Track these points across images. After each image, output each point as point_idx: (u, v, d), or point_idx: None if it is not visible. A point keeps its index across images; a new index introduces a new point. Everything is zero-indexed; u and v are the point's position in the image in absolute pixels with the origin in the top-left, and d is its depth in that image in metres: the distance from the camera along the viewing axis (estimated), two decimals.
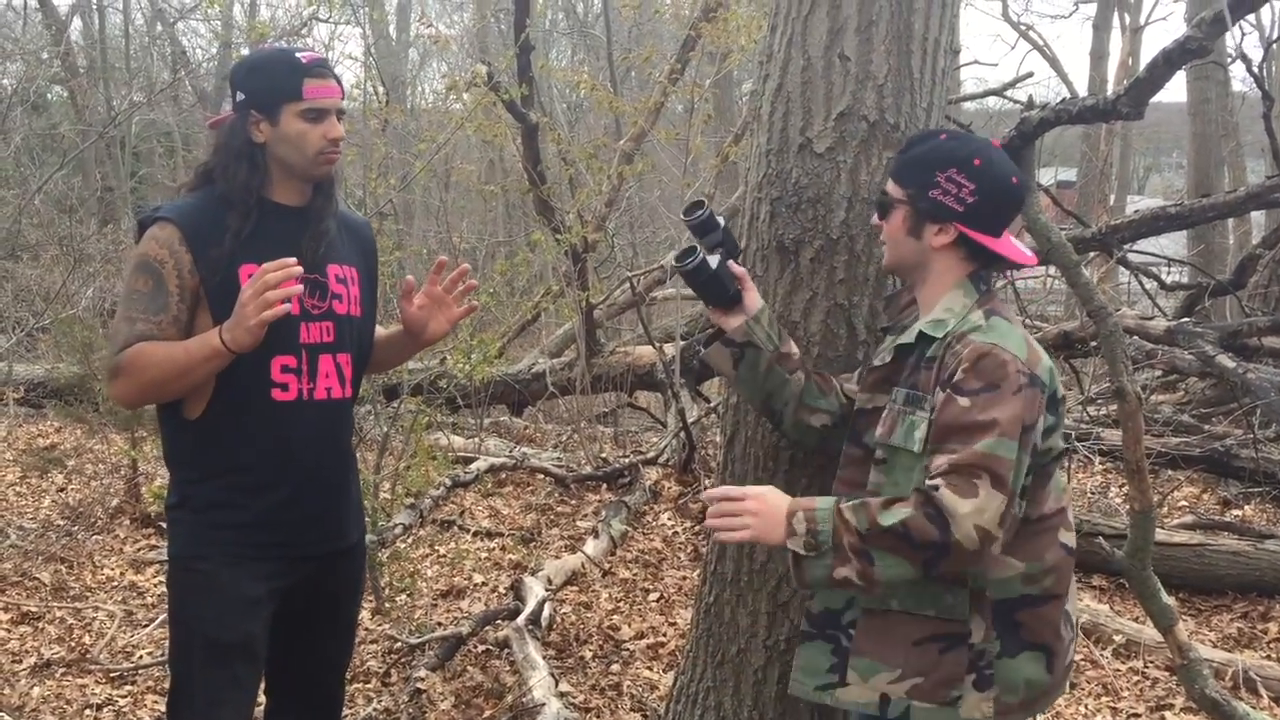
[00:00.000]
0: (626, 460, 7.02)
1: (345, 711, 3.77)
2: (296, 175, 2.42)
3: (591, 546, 5.50)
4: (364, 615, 4.74)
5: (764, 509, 2.03)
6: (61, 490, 6.89)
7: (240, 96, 2.40)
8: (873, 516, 1.94)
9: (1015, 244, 2.17)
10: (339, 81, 2.44)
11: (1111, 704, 4.04)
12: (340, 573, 2.62)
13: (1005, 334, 2.03)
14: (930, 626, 2.07)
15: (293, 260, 2.25)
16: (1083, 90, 19.69)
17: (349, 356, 2.50)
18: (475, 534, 5.98)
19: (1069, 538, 2.16)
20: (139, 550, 5.75)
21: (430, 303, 2.63)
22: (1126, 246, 6.75)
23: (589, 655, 4.37)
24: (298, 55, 2.39)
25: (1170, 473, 6.56)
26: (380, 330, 2.71)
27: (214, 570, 2.41)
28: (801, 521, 1.99)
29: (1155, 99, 2.76)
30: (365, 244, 2.63)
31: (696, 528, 5.90)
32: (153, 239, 2.34)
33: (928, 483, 1.95)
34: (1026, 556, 2.08)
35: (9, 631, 4.69)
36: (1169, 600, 2.98)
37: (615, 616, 4.78)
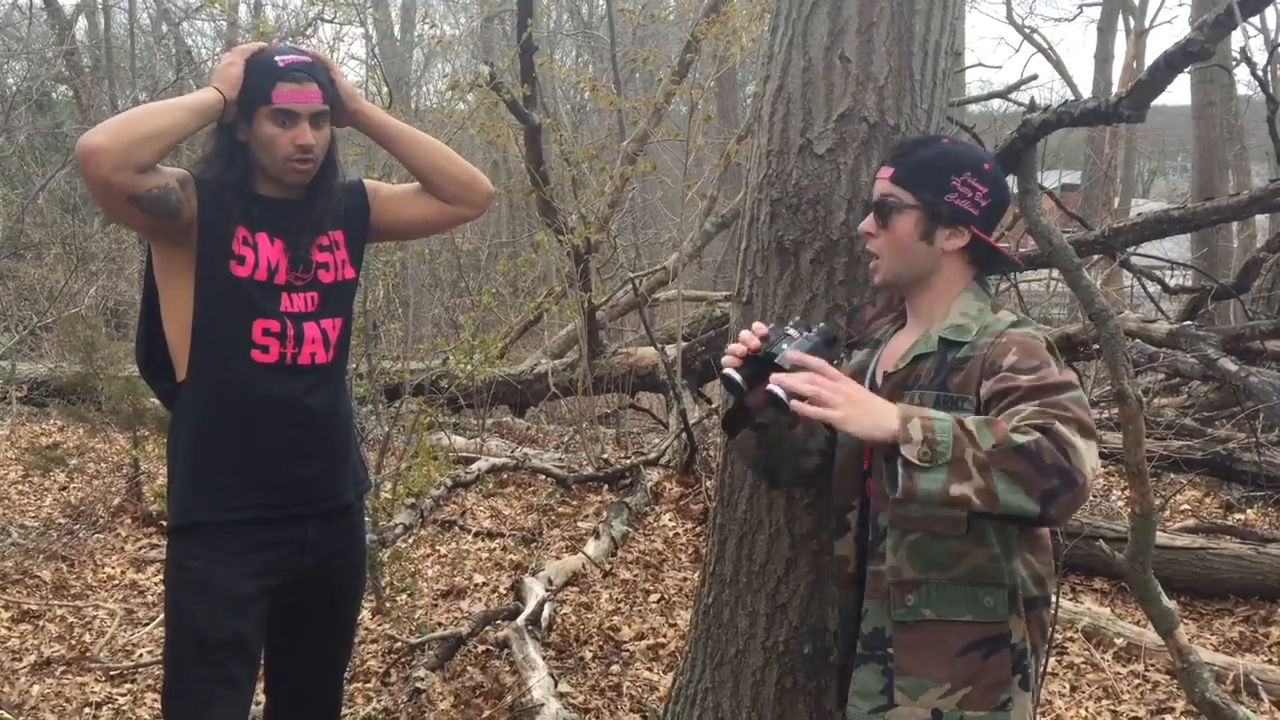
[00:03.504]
0: (628, 461, 7.02)
1: (345, 711, 3.77)
2: (272, 178, 2.47)
3: (592, 547, 5.50)
4: (364, 615, 4.74)
5: (860, 398, 1.83)
6: (63, 489, 6.90)
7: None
8: (1002, 433, 1.76)
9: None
10: (322, 86, 2.43)
11: (1112, 707, 4.04)
12: (337, 557, 2.59)
13: (1034, 327, 2.04)
14: (970, 632, 2.01)
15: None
16: (1087, 93, 19.67)
17: (338, 321, 2.54)
18: (476, 534, 5.98)
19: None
20: (140, 549, 5.76)
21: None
22: (1130, 249, 6.74)
23: (589, 656, 4.37)
24: (277, 58, 2.41)
25: (1172, 476, 6.56)
26: (393, 188, 2.72)
27: (206, 568, 2.42)
28: (918, 428, 1.77)
29: (1160, 102, 2.76)
30: (353, 203, 2.62)
31: (698, 529, 5.90)
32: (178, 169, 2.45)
33: (1024, 424, 1.80)
34: (1039, 559, 2.06)
35: (9, 629, 4.69)
36: (1170, 604, 2.98)
37: (615, 617, 4.78)
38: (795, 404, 1.85)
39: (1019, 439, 1.74)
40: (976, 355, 2.00)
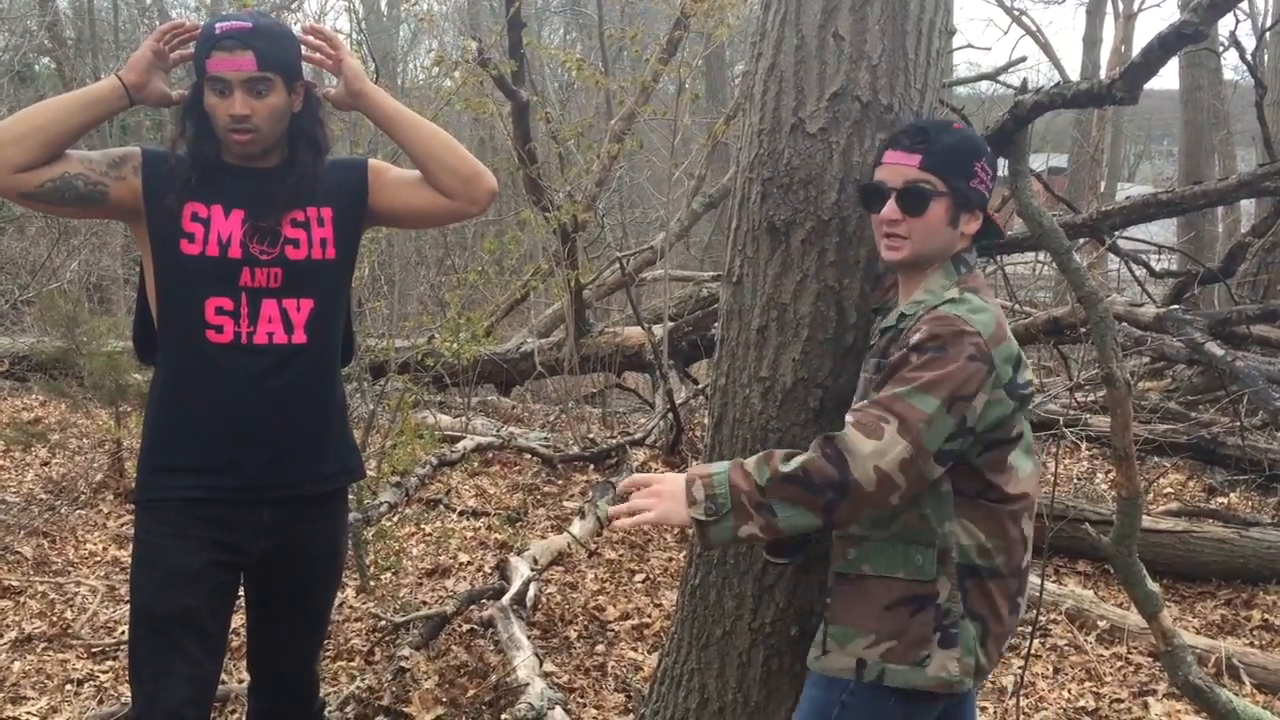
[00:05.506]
0: (614, 441, 7.01)
1: (329, 689, 3.76)
2: (226, 147, 2.43)
3: (578, 527, 5.49)
4: (348, 593, 4.73)
5: (666, 489, 2.07)
6: (45, 464, 6.86)
7: None
8: (774, 466, 1.98)
9: None
10: (259, 51, 2.35)
11: (1095, 689, 4.05)
12: (307, 545, 2.55)
13: (975, 309, 2.08)
14: (900, 589, 2.10)
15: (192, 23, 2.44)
16: (1075, 76, 19.66)
17: (306, 302, 2.46)
18: (461, 513, 5.96)
19: (1028, 528, 2.18)
20: (122, 525, 5.72)
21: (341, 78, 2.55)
22: (1117, 233, 6.75)
23: (574, 636, 4.37)
24: (216, 26, 2.37)
25: (1156, 459, 6.58)
26: (400, 173, 2.61)
27: (157, 542, 2.42)
28: (700, 489, 2.02)
29: (1147, 86, 2.74)
30: (350, 179, 2.55)
31: None
32: (124, 148, 2.47)
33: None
34: (985, 529, 2.10)
35: None
36: (1154, 587, 2.98)
37: (601, 597, 4.77)
38: (616, 523, 2.12)
39: (787, 468, 1.97)
40: (907, 328, 2.11)
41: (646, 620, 4.52)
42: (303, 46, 2.50)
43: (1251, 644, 4.45)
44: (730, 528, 2.00)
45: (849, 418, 2.01)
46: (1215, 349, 5.42)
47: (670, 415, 6.63)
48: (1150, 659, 4.24)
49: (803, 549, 2.31)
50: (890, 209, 2.16)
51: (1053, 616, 4.59)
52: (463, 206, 2.57)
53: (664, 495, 2.06)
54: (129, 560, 5.20)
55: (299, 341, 2.45)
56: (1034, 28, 24.53)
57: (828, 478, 1.95)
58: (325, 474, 2.57)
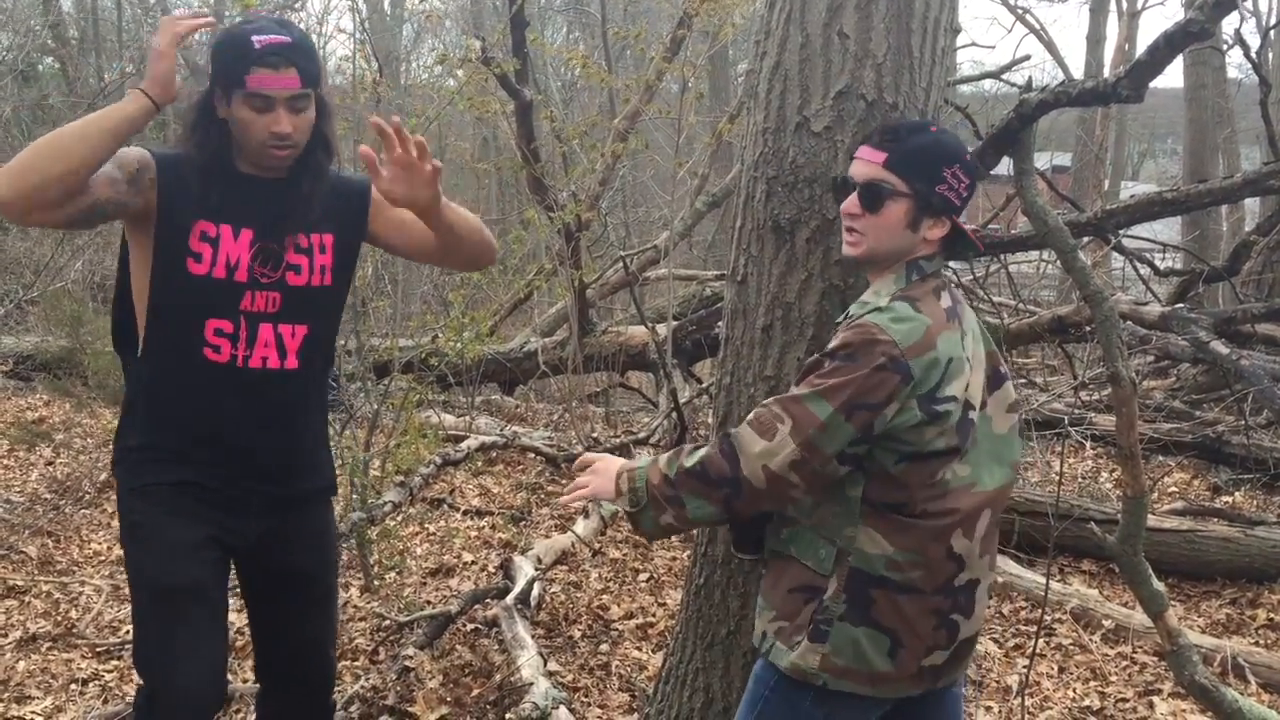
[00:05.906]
0: (618, 440, 7.00)
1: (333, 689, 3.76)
2: (251, 159, 2.40)
3: (582, 526, 5.48)
4: (352, 592, 4.73)
5: (602, 469, 2.23)
6: (49, 464, 6.85)
7: (210, 71, 2.39)
8: (680, 461, 2.11)
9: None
10: (301, 68, 2.31)
11: (1100, 688, 4.05)
12: (296, 537, 2.57)
13: (900, 318, 2.03)
14: (806, 576, 2.15)
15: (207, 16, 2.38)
16: (1079, 74, 19.63)
17: (301, 328, 2.46)
18: (465, 512, 5.96)
19: (964, 544, 2.10)
20: None
21: (400, 171, 2.31)
22: (1121, 231, 6.73)
23: (578, 635, 4.36)
24: (253, 39, 2.28)
25: (1161, 458, 6.57)
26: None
27: (154, 520, 2.42)
28: (625, 481, 2.16)
29: (1151, 84, 2.73)
30: (350, 206, 2.53)
31: None
32: (132, 151, 2.37)
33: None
34: (896, 543, 2.06)
35: None
36: (1159, 586, 2.98)
37: (605, 596, 4.77)
38: (561, 500, 2.45)
39: (689, 462, 2.10)
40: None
41: (651, 620, 4.52)
42: (383, 143, 2.31)
43: (1257, 643, 4.44)
44: (652, 518, 2.14)
45: (751, 414, 2.08)
46: (1220, 347, 5.41)
47: (674, 414, 6.62)
48: (1155, 658, 4.23)
49: (763, 548, 2.31)
50: (850, 203, 2.13)
51: (1058, 616, 4.58)
52: (455, 269, 2.60)
53: (600, 474, 2.22)
54: None
55: (290, 367, 2.47)
56: (1038, 26, 24.53)
57: (721, 474, 2.05)
58: (306, 489, 2.61)
